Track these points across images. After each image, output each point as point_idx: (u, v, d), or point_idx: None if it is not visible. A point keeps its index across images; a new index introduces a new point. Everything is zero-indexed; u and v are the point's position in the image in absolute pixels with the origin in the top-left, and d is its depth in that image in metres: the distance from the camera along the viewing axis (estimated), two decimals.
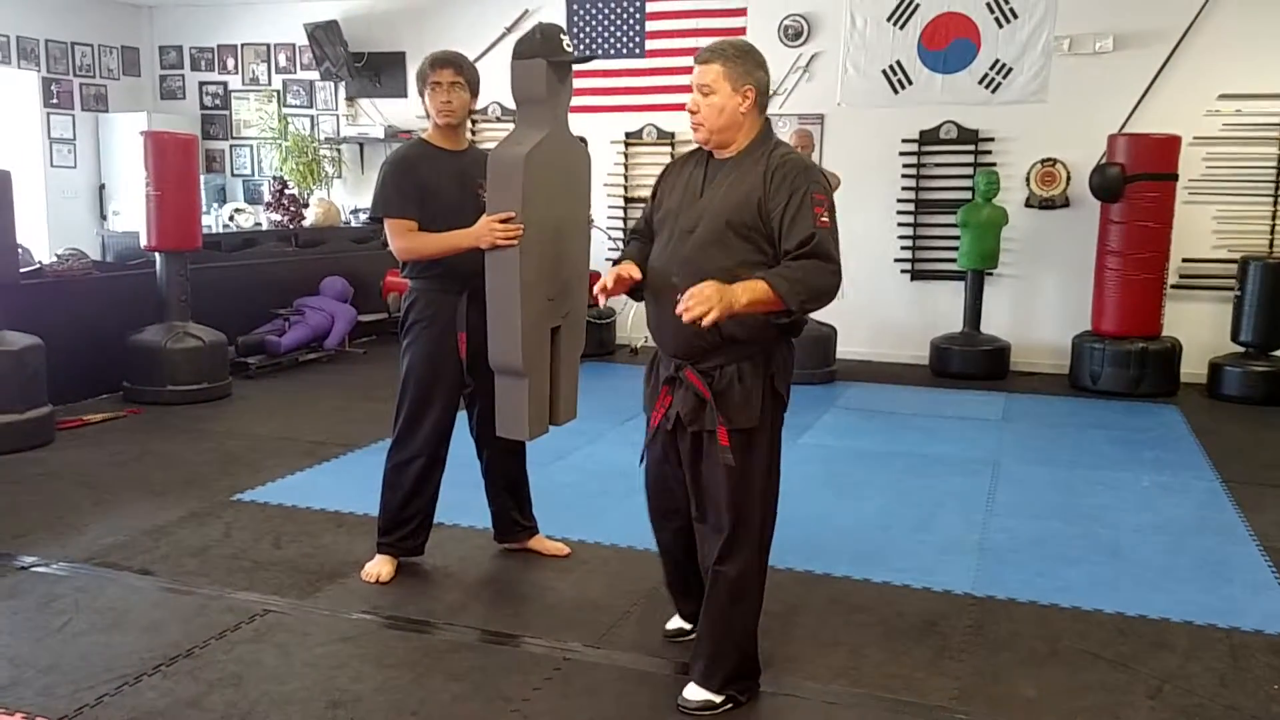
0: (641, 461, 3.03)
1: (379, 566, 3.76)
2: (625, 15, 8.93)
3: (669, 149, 8.91)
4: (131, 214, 9.16)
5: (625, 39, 8.96)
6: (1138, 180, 7.13)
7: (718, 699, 2.84)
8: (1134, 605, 3.60)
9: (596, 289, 2.81)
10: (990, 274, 7.97)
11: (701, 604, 2.90)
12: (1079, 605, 3.60)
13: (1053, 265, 8.08)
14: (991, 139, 8.12)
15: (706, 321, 2.51)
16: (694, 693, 2.86)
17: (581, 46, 8.84)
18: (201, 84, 10.60)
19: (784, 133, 8.18)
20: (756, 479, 2.77)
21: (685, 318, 2.53)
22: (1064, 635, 3.37)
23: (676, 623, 3.28)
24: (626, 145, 9.06)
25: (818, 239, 2.59)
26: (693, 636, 3.07)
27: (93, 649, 3.15)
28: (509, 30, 9.00)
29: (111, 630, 3.30)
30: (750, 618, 2.88)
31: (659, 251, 2.86)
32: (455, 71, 3.61)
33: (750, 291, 2.55)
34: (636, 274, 2.84)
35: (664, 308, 2.74)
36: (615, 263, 2.92)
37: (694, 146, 2.93)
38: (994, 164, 8.04)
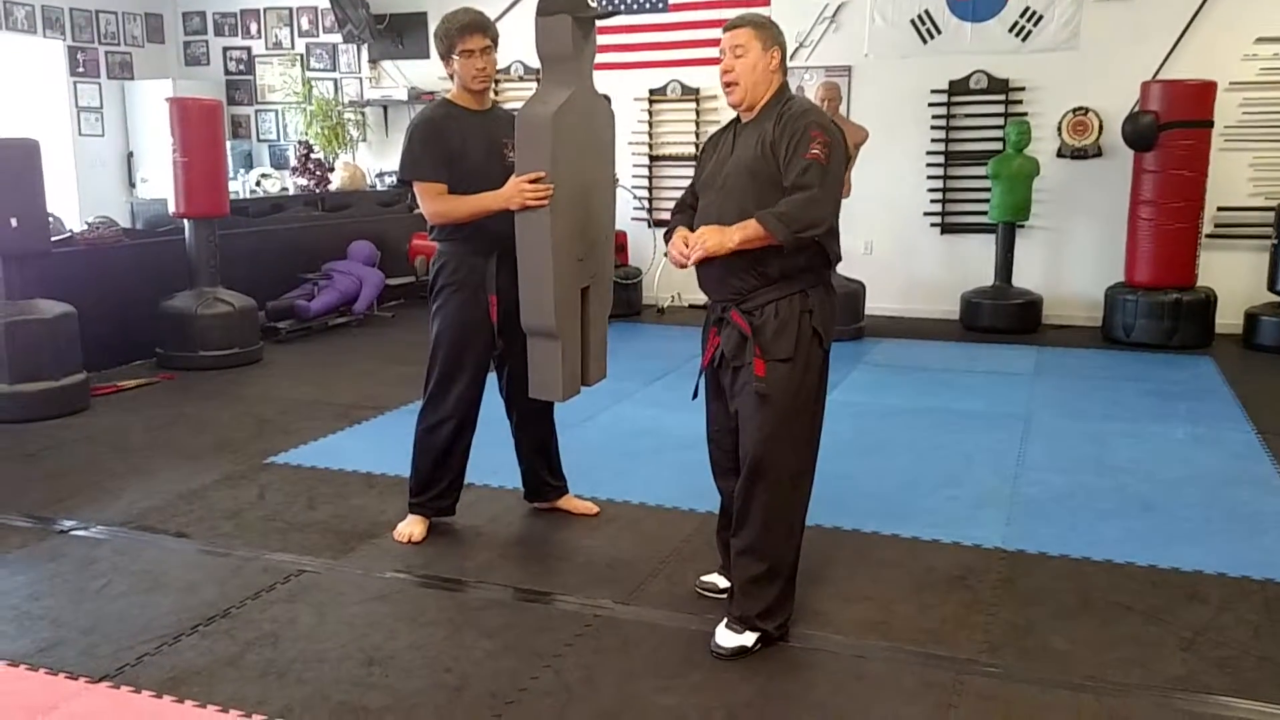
0: (695, 396, 3.19)
1: (411, 526, 3.80)
2: None
3: (694, 105, 8.82)
4: (160, 181, 9.20)
5: None
6: (1172, 128, 7.00)
7: (749, 640, 2.91)
8: (1167, 558, 3.57)
9: (677, 254, 2.92)
10: (1022, 226, 7.87)
11: None
12: (1111, 558, 3.58)
13: (1085, 216, 7.96)
14: (1022, 88, 7.99)
15: (693, 259, 2.80)
16: (726, 637, 2.92)
17: (605, 2, 8.74)
18: (225, 49, 10.59)
19: (811, 85, 8.09)
20: (789, 412, 2.88)
21: (679, 256, 2.83)
22: (1096, 588, 3.36)
23: (713, 576, 3.30)
24: (651, 102, 8.98)
25: (807, 171, 2.77)
26: (724, 596, 3.11)
27: (131, 610, 3.21)
28: None
29: (150, 592, 3.35)
30: (779, 550, 2.94)
31: (701, 213, 3.03)
32: (485, 35, 3.57)
33: (742, 230, 2.78)
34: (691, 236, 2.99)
35: (708, 261, 2.88)
36: (666, 237, 3.10)
37: (721, 113, 3.08)
38: (1025, 114, 7.91)
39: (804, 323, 2.88)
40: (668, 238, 3.06)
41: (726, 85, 2.96)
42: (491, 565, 3.59)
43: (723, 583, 3.22)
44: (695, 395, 3.21)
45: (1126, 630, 3.08)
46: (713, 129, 3.22)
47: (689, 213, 3.11)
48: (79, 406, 5.56)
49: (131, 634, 3.05)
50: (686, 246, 2.85)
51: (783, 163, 2.82)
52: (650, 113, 9.00)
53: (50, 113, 9.58)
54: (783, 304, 2.88)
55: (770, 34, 2.94)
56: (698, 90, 8.78)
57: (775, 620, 2.96)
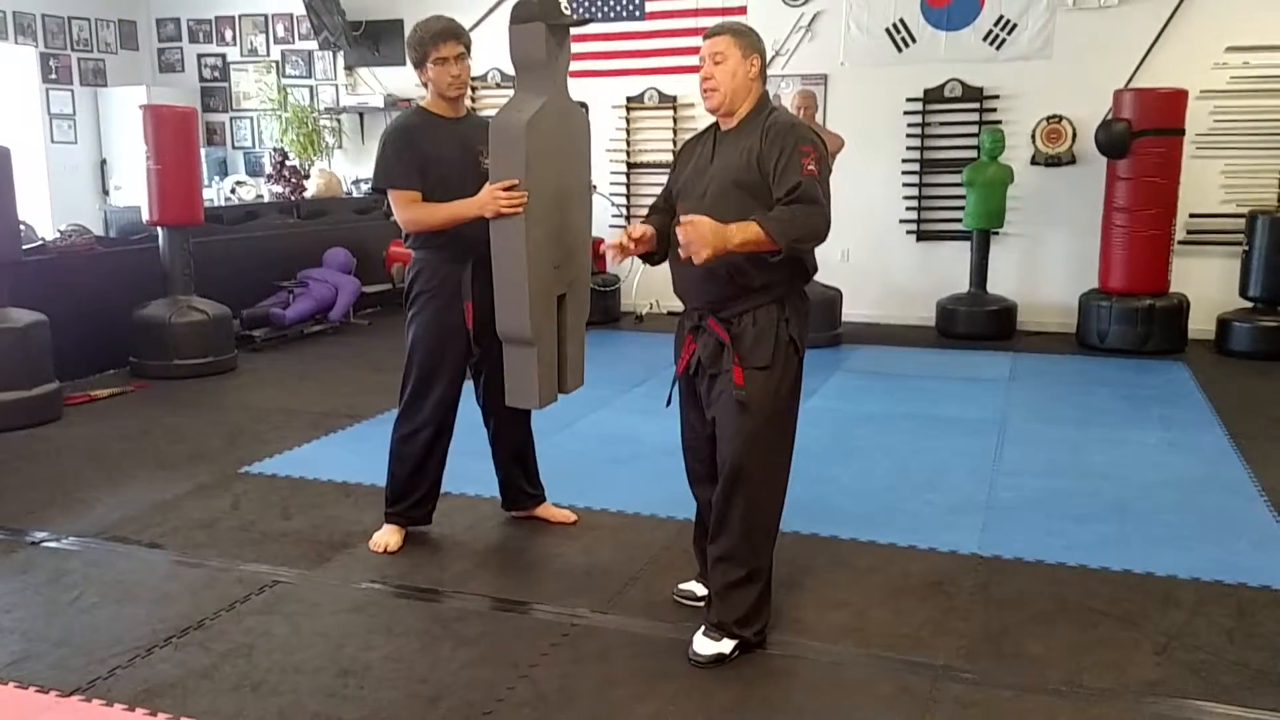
0: (669, 403, 3.20)
1: (387, 536, 3.77)
2: None
3: (671, 113, 8.84)
4: (133, 189, 9.12)
5: (625, 1, 8.87)
6: (1144, 136, 7.07)
7: (727, 648, 2.92)
8: (1141, 562, 3.60)
9: (612, 246, 3.03)
10: (996, 233, 7.92)
11: None
12: (1086, 563, 3.60)
13: (1059, 223, 8.02)
14: (996, 96, 8.05)
15: (699, 260, 2.72)
16: (703, 645, 2.92)
17: (580, 10, 8.75)
18: (200, 56, 10.53)
19: (787, 94, 8.12)
20: (767, 419, 2.90)
21: (682, 252, 2.76)
22: (1071, 593, 3.37)
23: (691, 584, 3.29)
24: (628, 110, 9.00)
25: (804, 185, 2.78)
26: (702, 603, 3.11)
27: (104, 622, 3.18)
28: None
29: (122, 603, 3.32)
30: (757, 555, 2.95)
31: (679, 217, 2.98)
32: (459, 42, 3.57)
33: (743, 231, 2.74)
34: (649, 232, 3.06)
35: (685, 268, 2.91)
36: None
37: (698, 121, 3.11)
38: (999, 122, 7.97)
39: (781, 331, 2.90)
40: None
41: (706, 91, 2.97)
42: (468, 575, 3.57)
43: (700, 590, 3.22)
44: (669, 403, 3.21)
45: (1101, 635, 3.09)
46: (690, 136, 3.22)
47: (664, 216, 3.11)
48: (51, 416, 5.50)
49: (104, 646, 3.01)
50: (686, 229, 2.78)
51: (773, 177, 2.83)
52: (628, 120, 9.01)
53: (22, 120, 9.49)
54: (760, 312, 2.90)
55: (749, 41, 2.96)
56: (675, 98, 8.80)
57: (753, 627, 2.96)
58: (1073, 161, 7.89)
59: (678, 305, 3.12)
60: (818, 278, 7.72)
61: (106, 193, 10.08)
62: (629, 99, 8.97)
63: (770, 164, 2.83)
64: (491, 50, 8.20)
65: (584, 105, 3.68)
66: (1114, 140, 7.16)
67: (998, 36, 7.96)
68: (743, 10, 8.41)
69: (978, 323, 7.78)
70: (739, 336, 2.90)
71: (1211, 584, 3.44)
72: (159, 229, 6.62)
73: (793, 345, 2.93)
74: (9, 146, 5.62)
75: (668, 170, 3.26)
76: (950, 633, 3.10)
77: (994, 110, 8.06)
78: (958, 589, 3.41)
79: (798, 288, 2.98)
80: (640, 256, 3.10)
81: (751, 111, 2.96)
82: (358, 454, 4.86)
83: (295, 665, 2.91)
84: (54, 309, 5.77)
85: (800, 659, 2.95)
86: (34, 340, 5.48)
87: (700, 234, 2.70)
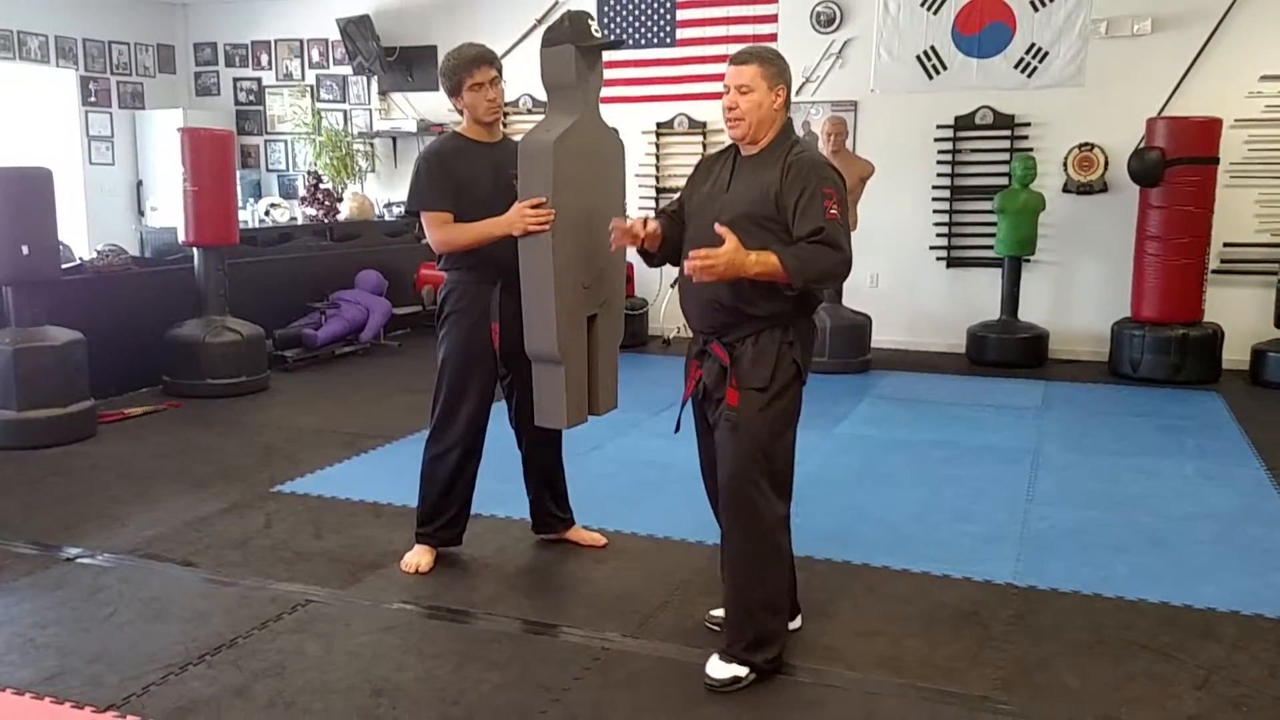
0: (677, 430, 3.21)
1: (418, 557, 3.78)
2: (657, 4, 8.90)
3: (700, 139, 8.88)
4: (169, 210, 9.26)
5: (656, 28, 8.94)
6: (1178, 164, 7.02)
7: (742, 672, 2.90)
8: (1179, 595, 3.55)
9: (618, 228, 3.06)
10: (1028, 260, 7.89)
11: None
12: (1123, 595, 3.56)
13: (1091, 251, 7.98)
14: (1028, 124, 8.03)
15: (709, 276, 2.74)
16: (717, 669, 2.92)
17: (612, 35, 8.82)
18: (236, 80, 10.68)
19: (817, 120, 8.14)
20: (762, 442, 2.87)
21: (688, 270, 2.75)
22: (1108, 625, 3.33)
23: (720, 610, 3.27)
24: (658, 135, 9.05)
25: (827, 230, 2.77)
26: None
27: (138, 639, 3.19)
28: (539, 22, 9.00)
29: (156, 620, 3.34)
30: (763, 581, 2.92)
31: (689, 240, 2.99)
32: (491, 66, 3.61)
33: (761, 263, 2.74)
34: (657, 230, 3.07)
35: (694, 290, 2.92)
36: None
37: (725, 144, 3.10)
38: (1030, 149, 7.95)
39: (784, 353, 2.90)
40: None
41: (730, 121, 2.95)
42: (499, 597, 3.57)
43: None
44: (678, 429, 3.21)
45: (1140, 668, 3.05)
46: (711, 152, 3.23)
47: (673, 225, 3.10)
48: (86, 434, 5.56)
49: (138, 663, 3.03)
50: (701, 254, 2.77)
51: (793, 215, 2.81)
52: (657, 145, 9.05)
53: (61, 141, 9.65)
54: (763, 335, 2.90)
55: (776, 70, 2.93)
56: (705, 124, 8.84)
57: (765, 653, 2.93)
58: (1105, 189, 7.85)
59: None
60: (847, 301, 7.72)
61: (142, 213, 10.22)
62: (659, 124, 9.02)
63: (790, 201, 2.82)
64: (523, 76, 8.32)
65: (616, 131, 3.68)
66: (1147, 168, 7.12)
67: (1029, 64, 7.95)
68: (773, 38, 8.45)
69: (1009, 350, 7.73)
70: (738, 359, 2.91)
71: (1252, 617, 3.38)
72: (194, 250, 6.70)
73: (796, 368, 2.92)
74: (50, 168, 5.71)
75: None
76: (986, 664, 3.07)
77: (1025, 137, 8.04)
78: (993, 619, 3.37)
79: (803, 315, 2.97)
80: (640, 251, 3.13)
81: (774, 140, 2.94)
82: (388, 474, 4.88)
83: (328, 685, 2.91)
84: (90, 328, 5.84)
85: (833, 688, 2.92)
86: (71, 358, 5.55)
87: (716, 254, 2.71)
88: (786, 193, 2.83)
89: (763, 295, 2.84)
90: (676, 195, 3.24)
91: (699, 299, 2.93)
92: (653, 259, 3.15)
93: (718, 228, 2.78)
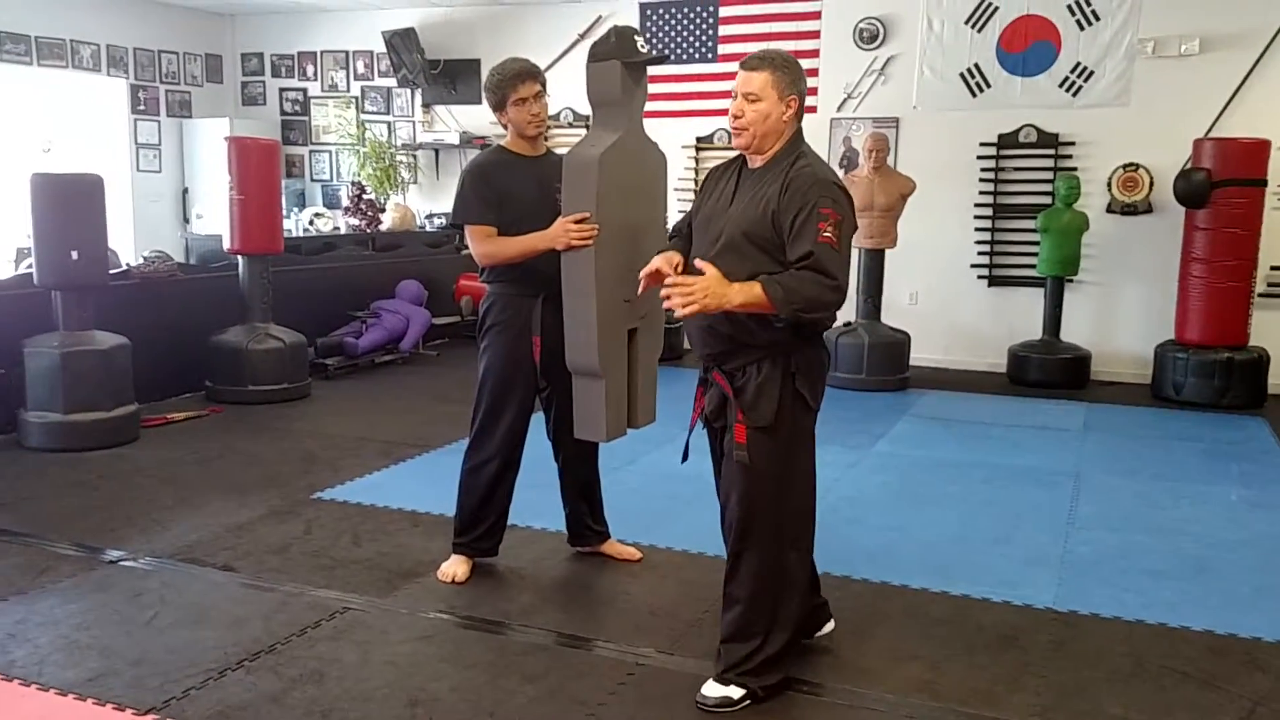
0: (684, 459, 3.18)
1: (455, 566, 3.80)
2: (698, 20, 8.92)
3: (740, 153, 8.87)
4: (214, 217, 9.39)
5: (698, 43, 8.96)
6: (1225, 186, 6.94)
7: (736, 694, 2.87)
8: (1224, 623, 3.49)
9: (648, 276, 2.91)
10: (1070, 280, 7.81)
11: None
12: (1166, 622, 3.50)
13: (1135, 272, 7.89)
14: (1072, 143, 7.96)
15: (682, 313, 2.64)
16: (711, 688, 2.89)
17: (655, 50, 8.84)
18: (282, 90, 10.82)
19: (858, 136, 8.13)
20: (773, 478, 2.80)
21: (665, 304, 2.67)
22: (1151, 652, 3.28)
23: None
24: (698, 149, 9.06)
25: (817, 255, 2.63)
26: None
27: (179, 643, 3.23)
28: (582, 36, 9.05)
29: (196, 625, 3.37)
30: (764, 616, 2.88)
31: (691, 257, 2.91)
32: (535, 81, 3.63)
33: (745, 294, 2.62)
34: (680, 262, 2.90)
35: (692, 317, 2.80)
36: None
37: (734, 154, 2.99)
38: (1074, 168, 7.89)
39: (787, 386, 2.77)
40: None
41: (735, 130, 2.83)
42: (534, 608, 3.57)
43: None
44: (685, 459, 3.14)
45: (1183, 697, 3.00)
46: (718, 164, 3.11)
47: (686, 244, 3.02)
48: (130, 437, 5.64)
49: (179, 667, 3.06)
50: (678, 284, 2.67)
51: (787, 235, 2.68)
52: (697, 160, 9.06)
53: (111, 149, 9.81)
54: (765, 364, 2.77)
55: (789, 79, 2.78)
56: None
57: (762, 680, 2.88)
58: (1149, 210, 7.77)
59: None
60: (886, 319, 7.67)
61: (187, 221, 10.36)
62: (699, 139, 9.03)
63: (786, 221, 2.68)
64: (565, 90, 8.36)
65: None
66: (1193, 190, 7.04)
67: (1074, 83, 7.89)
68: (815, 54, 8.46)
69: (1050, 371, 7.65)
70: (741, 390, 2.79)
71: None
72: (239, 257, 6.78)
73: (802, 401, 2.80)
74: (101, 175, 5.81)
75: None
76: (1025, 689, 3.03)
77: (1069, 156, 7.97)
78: (1033, 644, 3.33)
79: (808, 343, 2.82)
80: None
81: (780, 152, 2.81)
82: (426, 483, 4.90)
83: (365, 693, 2.93)
84: (135, 333, 5.91)
85: (870, 710, 2.90)
86: (116, 362, 5.63)
87: (694, 287, 2.60)
88: (783, 211, 2.69)
89: (759, 324, 2.71)
90: (684, 213, 3.17)
91: (698, 324, 2.82)
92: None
93: (698, 263, 2.68)
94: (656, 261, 2.90)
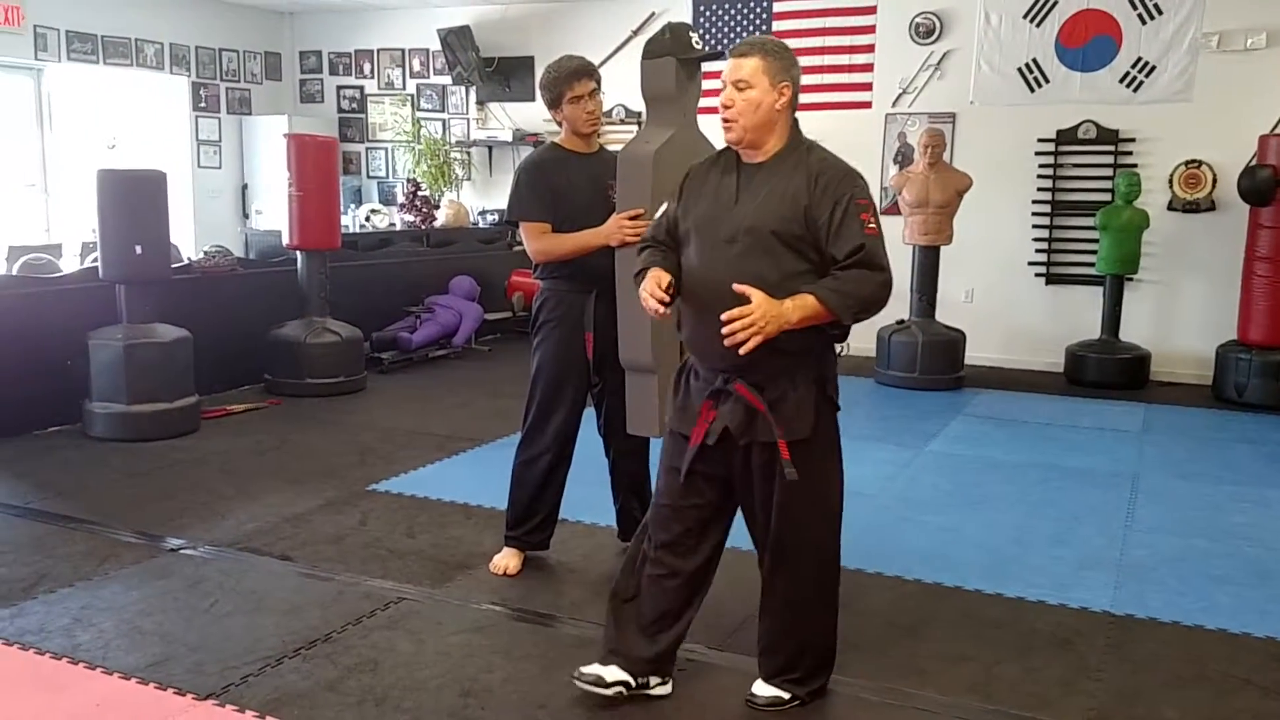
0: (682, 479, 2.81)
1: (506, 559, 3.83)
2: (752, 15, 8.89)
3: None
4: (273, 213, 9.54)
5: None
6: None
7: (786, 695, 2.86)
8: None
9: (658, 313, 2.66)
10: (1130, 279, 7.67)
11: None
12: (1226, 627, 3.44)
13: (1196, 271, 7.73)
14: (1133, 139, 7.82)
15: (749, 348, 2.47)
16: (762, 688, 2.89)
17: (709, 46, 8.82)
18: (339, 88, 10.96)
19: (914, 132, 8.05)
20: (815, 487, 2.73)
21: (728, 341, 2.48)
22: (1210, 658, 3.22)
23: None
24: None
25: (868, 249, 2.54)
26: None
27: (237, 630, 3.29)
28: (635, 33, 9.05)
29: (254, 613, 3.43)
30: (820, 624, 2.88)
31: (696, 262, 2.72)
32: (590, 78, 3.65)
33: (801, 309, 2.51)
34: (670, 281, 2.68)
35: (706, 320, 2.62)
36: (638, 273, 2.77)
37: (721, 148, 2.83)
38: (1135, 165, 7.74)
39: (820, 394, 2.69)
40: (638, 278, 2.74)
41: (724, 122, 2.67)
42: (585, 602, 3.59)
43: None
44: (684, 480, 2.81)
45: (1243, 704, 2.95)
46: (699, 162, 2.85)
47: (668, 254, 2.78)
48: (190, 428, 5.76)
49: (237, 654, 3.12)
50: (738, 319, 2.48)
51: (826, 234, 2.57)
52: None
53: (172, 145, 10.01)
54: (797, 376, 2.66)
55: (781, 65, 2.64)
56: None
57: (813, 684, 2.88)
58: (1212, 208, 7.61)
59: None
60: (941, 316, 7.57)
61: (247, 216, 10.53)
62: None
63: (823, 217, 2.56)
64: (618, 87, 8.36)
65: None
66: (1258, 187, 6.87)
67: (1135, 79, 7.75)
68: (870, 49, 8.39)
69: (1109, 371, 7.53)
70: (775, 404, 2.64)
71: None
72: (298, 253, 6.88)
73: (830, 404, 2.73)
74: (164, 171, 5.92)
75: None
76: (1081, 693, 2.99)
77: (1129, 153, 7.83)
78: (1089, 647, 3.29)
79: (831, 345, 2.75)
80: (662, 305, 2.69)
81: (785, 147, 2.68)
82: (479, 476, 4.95)
83: (418, 683, 2.96)
84: (196, 326, 6.04)
85: (922, 711, 2.88)
86: (178, 355, 5.75)
87: (753, 318, 2.45)
88: (817, 206, 2.57)
89: (795, 330, 2.55)
90: (657, 218, 2.90)
91: (712, 332, 2.55)
92: (672, 302, 2.70)
93: (737, 288, 2.50)
94: (649, 287, 2.64)
